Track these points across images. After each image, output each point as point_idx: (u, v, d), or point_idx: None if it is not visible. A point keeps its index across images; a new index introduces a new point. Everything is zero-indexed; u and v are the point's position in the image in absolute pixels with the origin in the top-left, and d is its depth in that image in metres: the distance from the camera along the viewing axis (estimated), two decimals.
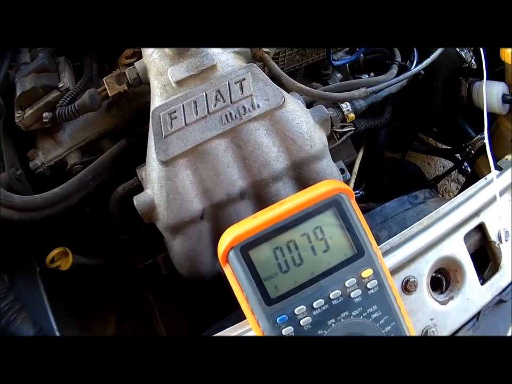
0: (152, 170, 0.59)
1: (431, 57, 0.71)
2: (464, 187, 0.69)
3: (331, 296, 0.50)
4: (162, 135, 0.58)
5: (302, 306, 0.50)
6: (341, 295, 0.51)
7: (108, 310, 0.87)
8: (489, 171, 0.73)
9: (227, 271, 0.52)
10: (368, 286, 0.51)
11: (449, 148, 0.94)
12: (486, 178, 0.67)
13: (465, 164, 0.88)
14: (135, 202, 0.59)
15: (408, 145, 0.95)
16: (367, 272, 0.51)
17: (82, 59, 0.72)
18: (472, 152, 0.78)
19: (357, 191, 0.77)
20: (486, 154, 0.84)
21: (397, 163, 0.95)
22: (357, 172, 0.75)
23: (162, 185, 0.58)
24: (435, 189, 0.96)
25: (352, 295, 0.51)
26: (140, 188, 0.62)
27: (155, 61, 0.61)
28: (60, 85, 0.65)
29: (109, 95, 0.62)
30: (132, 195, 0.60)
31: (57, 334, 0.69)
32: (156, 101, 0.60)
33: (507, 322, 0.68)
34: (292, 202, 0.52)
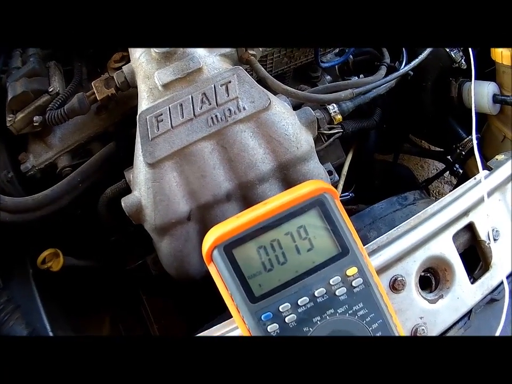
0: (139, 172, 0.60)
1: (419, 57, 0.71)
2: (455, 189, 0.69)
3: (316, 294, 0.51)
4: (149, 138, 0.58)
5: (286, 304, 0.50)
6: (325, 293, 0.51)
7: (102, 311, 0.87)
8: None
9: (212, 269, 0.52)
10: (354, 284, 0.51)
11: (441, 149, 0.94)
12: (475, 178, 0.67)
13: (457, 165, 0.88)
14: (122, 204, 0.60)
15: (399, 147, 0.95)
16: (352, 270, 0.52)
17: (72, 63, 0.73)
18: (463, 153, 0.78)
19: (347, 193, 0.77)
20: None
21: (388, 165, 0.95)
22: (346, 173, 0.75)
23: (149, 187, 0.59)
24: (426, 191, 0.96)
25: (337, 292, 0.51)
26: (127, 190, 0.63)
27: (142, 64, 0.62)
28: (50, 89, 0.66)
29: (97, 98, 0.63)
30: (120, 197, 0.61)
31: (51, 334, 0.69)
32: (143, 104, 0.61)
33: (499, 321, 0.67)
34: (276, 202, 0.52)
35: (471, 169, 0.80)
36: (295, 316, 0.50)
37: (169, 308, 0.89)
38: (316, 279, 0.51)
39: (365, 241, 0.66)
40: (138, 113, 0.59)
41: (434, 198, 1.30)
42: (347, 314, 0.51)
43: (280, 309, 0.50)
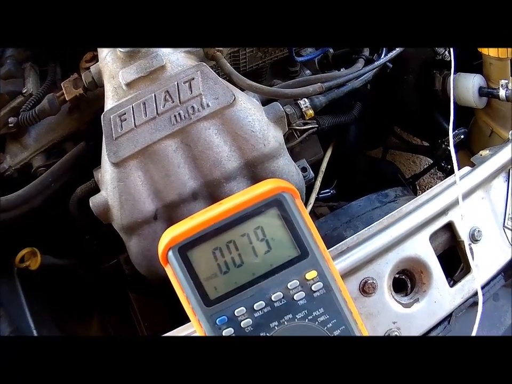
0: (106, 172, 0.59)
1: (396, 50, 0.68)
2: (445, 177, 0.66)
3: (273, 298, 0.49)
4: (113, 137, 0.58)
5: (242, 308, 0.49)
6: (283, 297, 0.49)
7: (90, 309, 0.88)
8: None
9: (168, 271, 0.51)
10: (313, 288, 0.50)
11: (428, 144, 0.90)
12: (455, 175, 0.63)
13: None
14: (90, 204, 0.60)
15: (383, 141, 0.92)
16: (311, 274, 0.50)
17: (48, 64, 0.73)
18: (449, 148, 0.74)
19: (327, 190, 0.75)
20: (463, 150, 0.80)
21: (372, 161, 0.91)
22: (324, 170, 0.72)
23: (115, 187, 0.58)
24: (414, 186, 0.92)
25: (295, 297, 0.49)
26: (96, 189, 0.63)
27: (108, 64, 0.61)
28: (24, 91, 0.67)
29: (66, 99, 0.63)
30: (89, 196, 0.61)
31: (35, 333, 0.70)
32: (108, 103, 0.60)
33: (482, 325, 0.64)
34: (232, 202, 0.51)
35: (458, 165, 0.76)
36: (251, 321, 0.49)
37: (157, 306, 0.89)
38: (273, 283, 0.49)
39: (341, 240, 0.63)
40: (103, 113, 0.59)
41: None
42: (306, 319, 0.49)
43: (236, 313, 0.49)
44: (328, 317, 0.50)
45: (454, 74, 0.68)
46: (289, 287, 0.49)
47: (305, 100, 0.63)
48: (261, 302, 0.49)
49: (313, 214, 0.73)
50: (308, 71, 0.77)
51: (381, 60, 0.67)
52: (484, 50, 0.71)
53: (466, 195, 0.63)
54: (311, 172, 0.65)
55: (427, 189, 1.24)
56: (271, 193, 0.50)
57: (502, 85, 0.71)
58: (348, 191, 0.78)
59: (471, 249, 0.62)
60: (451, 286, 0.61)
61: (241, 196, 0.51)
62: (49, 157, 0.69)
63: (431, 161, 0.91)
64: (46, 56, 0.74)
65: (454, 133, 0.75)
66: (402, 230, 0.58)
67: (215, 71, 0.62)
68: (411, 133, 0.96)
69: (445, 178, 0.66)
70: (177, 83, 0.58)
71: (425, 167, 1.10)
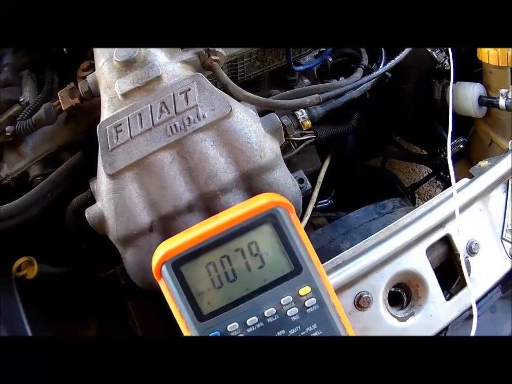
0: (101, 183, 0.59)
1: (395, 59, 0.67)
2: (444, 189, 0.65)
3: (265, 313, 0.49)
4: (109, 149, 0.58)
5: (234, 323, 0.49)
6: (276, 313, 0.49)
7: (88, 317, 0.88)
8: (466, 177, 0.69)
9: (162, 285, 0.51)
10: (306, 304, 0.49)
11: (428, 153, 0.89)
12: (453, 188, 0.63)
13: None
14: (86, 215, 0.60)
15: (382, 150, 0.91)
16: (305, 290, 0.49)
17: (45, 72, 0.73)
18: (449, 157, 0.73)
19: (325, 200, 0.74)
20: (463, 159, 0.80)
21: (371, 170, 0.91)
22: (322, 181, 0.72)
23: (110, 198, 0.58)
24: (412, 196, 0.91)
25: (288, 313, 0.49)
26: (93, 200, 0.63)
27: (104, 73, 0.61)
28: (21, 99, 0.67)
29: (63, 108, 0.63)
30: (85, 207, 0.61)
31: None
32: (104, 114, 0.60)
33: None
34: (226, 216, 0.51)
35: (457, 175, 0.76)
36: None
37: (155, 313, 0.89)
38: (266, 298, 0.49)
39: (337, 252, 0.63)
40: (99, 123, 0.59)
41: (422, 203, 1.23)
42: (299, 335, 0.49)
43: (228, 329, 0.49)
44: (321, 332, 0.49)
45: (453, 83, 0.68)
46: (282, 302, 0.49)
47: (303, 110, 0.63)
48: (254, 317, 0.49)
49: (311, 224, 0.73)
50: (307, 80, 0.76)
51: (380, 70, 0.66)
52: (484, 59, 0.71)
53: (464, 207, 0.63)
54: (308, 183, 0.65)
55: (426, 197, 1.24)
56: (265, 208, 0.50)
57: (502, 94, 0.70)
58: (346, 201, 0.77)
59: (468, 262, 0.62)
60: (447, 299, 0.61)
61: (235, 211, 0.51)
62: (46, 166, 0.69)
63: (431, 170, 0.90)
64: (44, 64, 0.74)
65: (453, 143, 0.74)
66: (399, 243, 0.58)
67: (212, 81, 0.62)
68: (410, 142, 0.96)
69: (444, 187, 0.66)
70: (173, 94, 0.58)
71: (424, 175, 1.09)
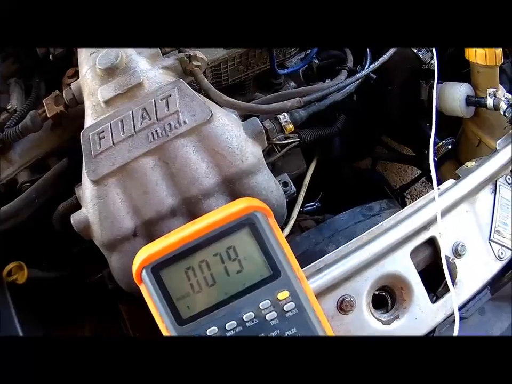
0: (86, 189, 0.60)
1: (378, 60, 0.66)
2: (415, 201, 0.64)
3: (244, 318, 0.49)
4: (92, 155, 0.58)
5: (213, 327, 0.49)
6: (255, 317, 0.49)
7: (81, 320, 0.89)
8: (454, 178, 0.69)
9: (142, 289, 0.52)
10: (285, 308, 0.49)
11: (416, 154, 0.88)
12: (439, 189, 0.62)
13: None
14: (71, 221, 0.61)
15: (370, 152, 0.90)
16: (283, 294, 0.50)
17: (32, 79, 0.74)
18: (435, 159, 0.73)
19: (312, 203, 0.74)
20: (451, 160, 0.79)
21: (359, 172, 0.90)
22: (307, 184, 0.72)
23: (94, 204, 0.59)
24: (402, 198, 0.91)
25: (267, 317, 0.49)
26: (78, 206, 0.63)
27: (87, 81, 0.62)
28: (8, 107, 0.68)
29: (48, 116, 0.64)
30: (72, 212, 0.62)
31: None
32: (88, 121, 0.61)
33: None
34: (204, 221, 0.51)
35: (445, 176, 0.75)
36: None
37: (147, 316, 0.90)
38: (245, 303, 0.49)
39: (323, 255, 0.63)
40: (82, 130, 0.60)
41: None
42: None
43: (208, 333, 0.49)
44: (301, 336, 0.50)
45: (438, 84, 0.67)
46: (261, 307, 0.49)
47: (285, 114, 0.62)
48: (233, 321, 0.49)
49: (298, 227, 0.72)
50: (292, 83, 0.76)
51: (362, 72, 0.66)
52: (472, 58, 0.70)
53: (449, 209, 0.62)
54: (293, 186, 0.65)
55: (418, 197, 1.23)
56: (243, 212, 0.51)
57: (489, 93, 0.69)
58: (334, 203, 0.77)
59: (454, 264, 0.61)
60: (433, 302, 0.60)
61: (214, 216, 0.51)
62: (34, 172, 0.70)
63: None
64: (32, 71, 0.75)
65: (441, 143, 0.73)
66: (382, 246, 0.58)
67: (194, 87, 0.62)
68: (400, 142, 0.95)
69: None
70: (154, 100, 0.58)
71: (416, 175, 1.08)
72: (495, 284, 0.66)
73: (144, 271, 0.50)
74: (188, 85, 0.59)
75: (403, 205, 0.87)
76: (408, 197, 1.17)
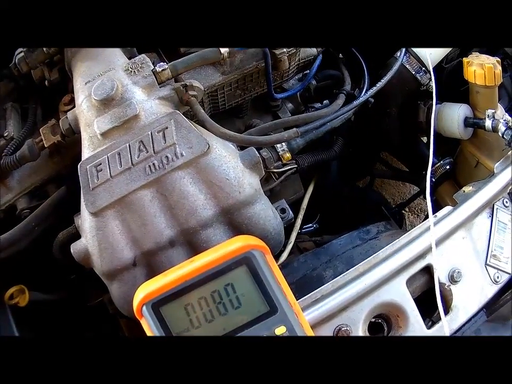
0: (85, 220, 0.60)
1: (377, 85, 0.66)
2: (426, 217, 0.65)
3: None
4: (90, 188, 0.59)
5: None
6: None
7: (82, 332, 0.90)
8: (452, 200, 0.69)
9: (143, 324, 0.53)
10: None
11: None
12: (435, 216, 0.62)
13: None
14: (71, 250, 0.61)
15: (368, 172, 0.90)
16: (281, 330, 0.51)
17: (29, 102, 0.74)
18: (433, 180, 0.73)
19: (310, 225, 0.75)
20: (449, 181, 0.79)
21: (357, 191, 0.90)
22: (305, 207, 0.72)
23: (93, 235, 0.60)
24: (400, 216, 0.91)
25: None
26: (77, 235, 0.64)
27: (83, 111, 0.62)
28: (5, 134, 0.68)
29: (45, 146, 0.64)
30: (71, 241, 0.63)
31: None
32: (85, 153, 0.61)
33: None
34: (202, 259, 0.52)
35: (442, 197, 0.75)
36: None
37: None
38: None
39: (320, 281, 0.64)
40: (80, 163, 0.60)
41: (417, 215, 1.21)
42: None
43: None
44: None
45: (436, 105, 0.67)
46: None
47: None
48: None
49: (296, 248, 0.73)
50: (290, 105, 0.76)
51: (361, 98, 0.66)
52: (470, 78, 0.69)
53: (446, 236, 0.63)
54: (291, 212, 0.65)
55: (417, 211, 1.23)
56: (241, 251, 0.51)
57: (488, 115, 0.69)
58: (332, 224, 0.77)
59: (450, 290, 0.62)
60: (429, 328, 0.61)
61: (212, 254, 0.52)
62: (33, 199, 0.70)
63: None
64: (27, 93, 0.75)
65: (438, 164, 0.74)
66: (378, 276, 0.58)
67: (190, 113, 0.62)
68: (398, 159, 0.95)
69: (426, 216, 0.65)
70: (151, 133, 0.58)
71: (414, 189, 1.08)
72: (491, 306, 0.67)
73: (144, 307, 0.51)
74: (184, 117, 0.59)
75: (401, 220, 0.88)
76: (407, 209, 1.17)
